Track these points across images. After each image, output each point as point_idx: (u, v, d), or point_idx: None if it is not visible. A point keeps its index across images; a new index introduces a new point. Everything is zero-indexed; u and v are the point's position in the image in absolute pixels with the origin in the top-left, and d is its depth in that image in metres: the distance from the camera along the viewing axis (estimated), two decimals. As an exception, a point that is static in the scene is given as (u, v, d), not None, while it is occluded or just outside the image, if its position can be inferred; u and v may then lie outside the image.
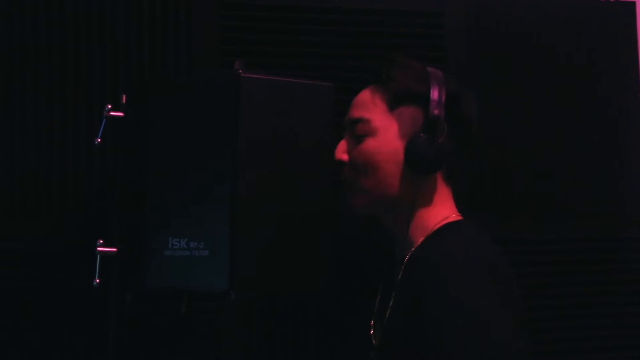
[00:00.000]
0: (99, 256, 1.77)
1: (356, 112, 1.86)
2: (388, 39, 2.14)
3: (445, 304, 1.68)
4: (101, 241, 1.78)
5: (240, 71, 1.66)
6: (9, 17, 1.97)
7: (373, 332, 1.86)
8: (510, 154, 2.22)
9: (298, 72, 1.84)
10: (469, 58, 2.18)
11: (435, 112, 1.80)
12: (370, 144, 1.83)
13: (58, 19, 1.98)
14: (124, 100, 1.81)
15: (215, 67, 2.04)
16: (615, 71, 2.28)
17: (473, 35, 2.19)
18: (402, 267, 1.82)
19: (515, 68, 2.22)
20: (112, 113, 1.80)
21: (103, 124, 1.79)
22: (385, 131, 1.83)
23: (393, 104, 1.83)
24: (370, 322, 1.88)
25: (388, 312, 1.82)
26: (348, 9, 2.14)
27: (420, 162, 1.80)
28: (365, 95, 1.87)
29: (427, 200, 1.84)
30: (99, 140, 1.79)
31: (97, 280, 1.76)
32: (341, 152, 1.84)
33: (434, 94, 1.80)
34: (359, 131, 1.84)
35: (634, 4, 2.31)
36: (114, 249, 1.78)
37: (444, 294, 1.69)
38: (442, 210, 1.85)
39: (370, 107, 1.85)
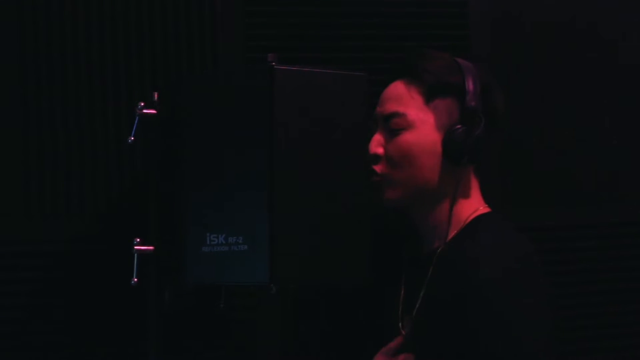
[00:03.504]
0: (136, 255, 1.76)
1: (390, 106, 1.85)
2: (413, 30, 2.13)
3: (488, 300, 1.69)
4: (138, 240, 1.77)
5: (273, 64, 1.65)
6: (29, 19, 1.96)
7: (401, 324, 1.86)
8: (536, 144, 2.21)
9: (323, 65, 1.83)
10: (494, 47, 2.17)
11: (472, 103, 1.79)
12: (407, 137, 1.82)
13: (82, 19, 1.98)
14: (155, 98, 1.80)
15: (242, 63, 2.03)
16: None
17: (498, 24, 2.18)
18: (434, 260, 1.82)
19: (540, 57, 2.21)
20: (144, 111, 1.79)
21: (136, 122, 1.78)
22: (421, 124, 1.82)
23: (429, 97, 1.82)
24: (397, 313, 1.87)
25: (418, 304, 1.81)
26: (372, 1, 2.13)
27: (460, 154, 1.79)
28: (398, 88, 1.86)
29: (462, 192, 1.84)
30: (132, 138, 1.78)
31: (135, 280, 1.76)
32: (376, 145, 1.83)
33: (470, 85, 1.80)
34: (394, 125, 1.83)
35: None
36: (151, 248, 1.78)
37: (486, 290, 1.69)
38: (473, 203, 1.86)
39: (405, 100, 1.84)
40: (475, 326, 1.69)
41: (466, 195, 1.85)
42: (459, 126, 1.79)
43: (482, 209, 1.85)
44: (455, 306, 1.72)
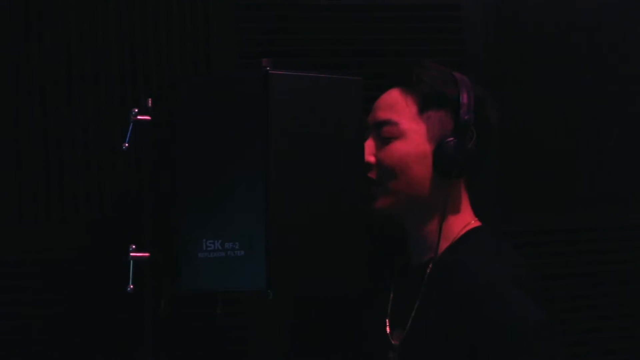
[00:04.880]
0: (132, 262, 1.75)
1: (383, 114, 1.85)
2: (407, 34, 2.13)
3: (499, 314, 1.71)
4: (133, 246, 1.76)
5: (268, 68, 1.64)
6: (21, 26, 1.95)
7: (390, 332, 1.86)
8: (533, 146, 2.21)
9: (318, 70, 1.82)
10: (489, 51, 2.18)
11: (465, 117, 1.80)
12: (398, 146, 1.82)
13: (75, 25, 1.97)
14: (149, 104, 1.79)
15: (235, 69, 2.03)
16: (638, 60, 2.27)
17: (492, 27, 2.18)
18: (428, 274, 1.82)
19: (535, 59, 2.22)
20: (138, 117, 1.78)
21: (130, 129, 1.77)
22: (413, 134, 1.82)
23: (423, 107, 1.82)
24: (384, 322, 1.88)
25: (413, 314, 1.82)
26: (365, 6, 2.13)
27: (450, 167, 1.80)
28: (392, 97, 1.86)
29: (453, 205, 1.85)
30: (126, 145, 1.77)
31: (131, 286, 1.74)
32: (368, 153, 1.83)
33: (464, 98, 1.80)
34: (385, 133, 1.84)
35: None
36: (147, 254, 1.76)
37: (498, 305, 1.72)
38: (464, 216, 1.87)
39: (398, 109, 1.84)
40: (482, 338, 1.71)
41: (457, 208, 1.85)
42: (450, 138, 1.80)
43: (474, 222, 1.86)
44: (459, 318, 1.73)
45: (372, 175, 1.84)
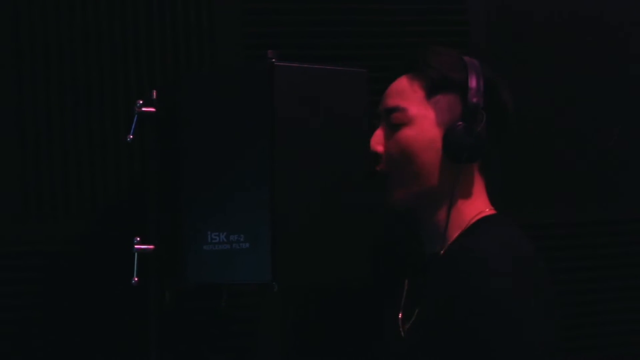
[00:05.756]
0: (136, 254, 1.75)
1: (391, 101, 1.84)
2: (413, 26, 2.13)
3: (478, 304, 1.67)
4: (138, 239, 1.76)
5: (273, 60, 1.64)
6: (25, 17, 1.95)
7: (402, 327, 1.85)
8: (535, 141, 2.21)
9: (323, 62, 1.82)
10: (494, 44, 2.17)
11: (474, 100, 1.78)
12: (406, 133, 1.81)
13: (79, 16, 1.96)
14: (154, 96, 1.79)
15: (240, 60, 2.02)
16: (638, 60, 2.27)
17: (497, 20, 2.18)
18: (436, 263, 1.80)
19: (540, 51, 2.21)
20: (143, 109, 1.77)
21: (135, 120, 1.77)
22: (421, 120, 1.81)
23: (430, 92, 1.81)
24: (397, 317, 1.87)
25: (419, 308, 1.80)
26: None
27: (459, 151, 1.77)
28: (400, 83, 1.85)
29: (464, 192, 1.82)
30: (131, 136, 1.77)
31: (136, 279, 1.74)
32: (376, 143, 1.82)
33: (472, 82, 1.78)
34: (394, 120, 1.82)
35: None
36: (152, 246, 1.76)
37: (477, 294, 1.68)
38: (477, 204, 1.83)
39: (406, 95, 1.83)
40: (487, 337, 1.67)
41: (469, 195, 1.83)
42: (459, 123, 1.78)
43: (488, 210, 1.83)
44: (448, 309, 1.71)
45: (380, 167, 1.82)
